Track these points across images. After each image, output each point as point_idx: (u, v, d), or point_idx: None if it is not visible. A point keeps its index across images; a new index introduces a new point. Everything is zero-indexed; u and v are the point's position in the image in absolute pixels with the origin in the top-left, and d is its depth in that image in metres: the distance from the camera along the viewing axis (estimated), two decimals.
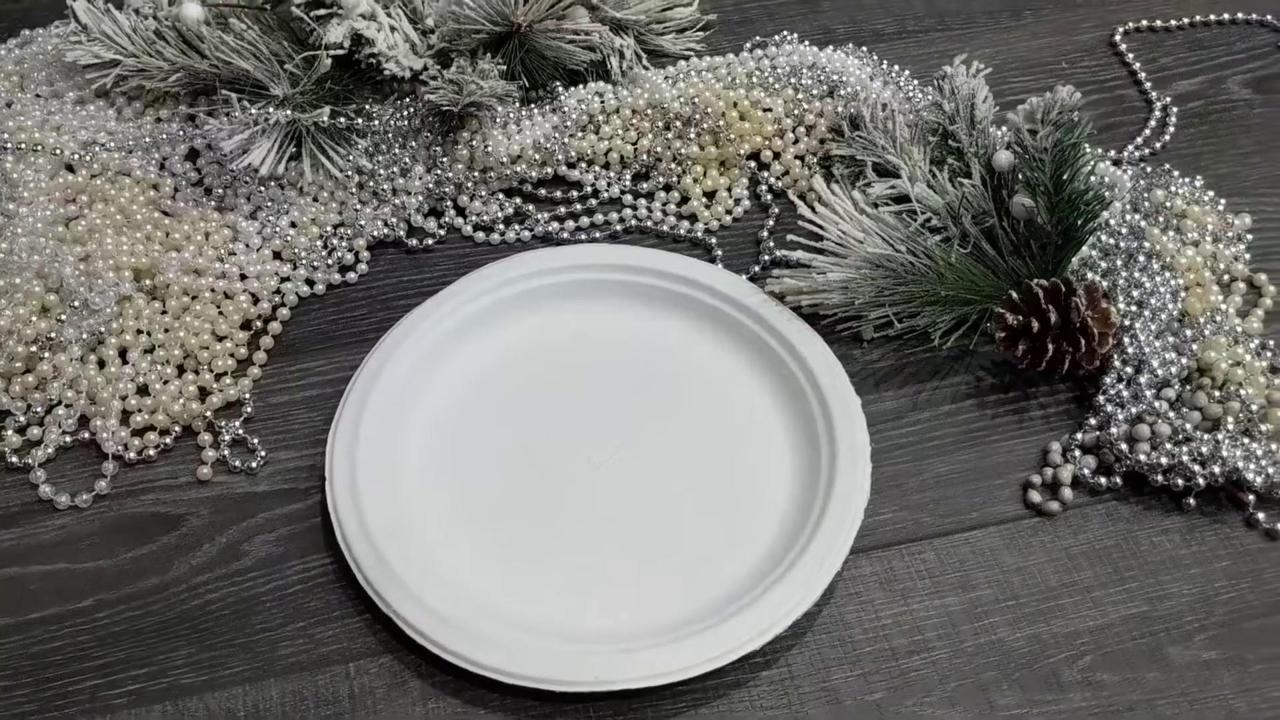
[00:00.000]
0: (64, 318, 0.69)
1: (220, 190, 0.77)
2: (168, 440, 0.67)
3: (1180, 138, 0.82)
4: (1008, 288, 0.68)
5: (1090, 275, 0.70)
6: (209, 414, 0.68)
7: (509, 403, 0.67)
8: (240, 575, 0.62)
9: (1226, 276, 0.72)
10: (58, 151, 0.76)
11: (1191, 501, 0.64)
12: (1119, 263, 0.70)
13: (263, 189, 0.76)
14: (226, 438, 0.67)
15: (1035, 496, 0.64)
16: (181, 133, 0.79)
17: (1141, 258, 0.70)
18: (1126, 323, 0.67)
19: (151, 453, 0.66)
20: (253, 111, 0.73)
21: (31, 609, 0.61)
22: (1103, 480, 0.65)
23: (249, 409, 0.68)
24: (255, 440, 0.67)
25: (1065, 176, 0.67)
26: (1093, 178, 0.69)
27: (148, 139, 0.79)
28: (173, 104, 0.81)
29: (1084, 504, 0.65)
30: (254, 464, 0.66)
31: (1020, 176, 0.70)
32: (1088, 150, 0.69)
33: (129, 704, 0.58)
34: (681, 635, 0.58)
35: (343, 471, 0.63)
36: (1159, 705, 0.58)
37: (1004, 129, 0.73)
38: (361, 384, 0.66)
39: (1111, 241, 0.71)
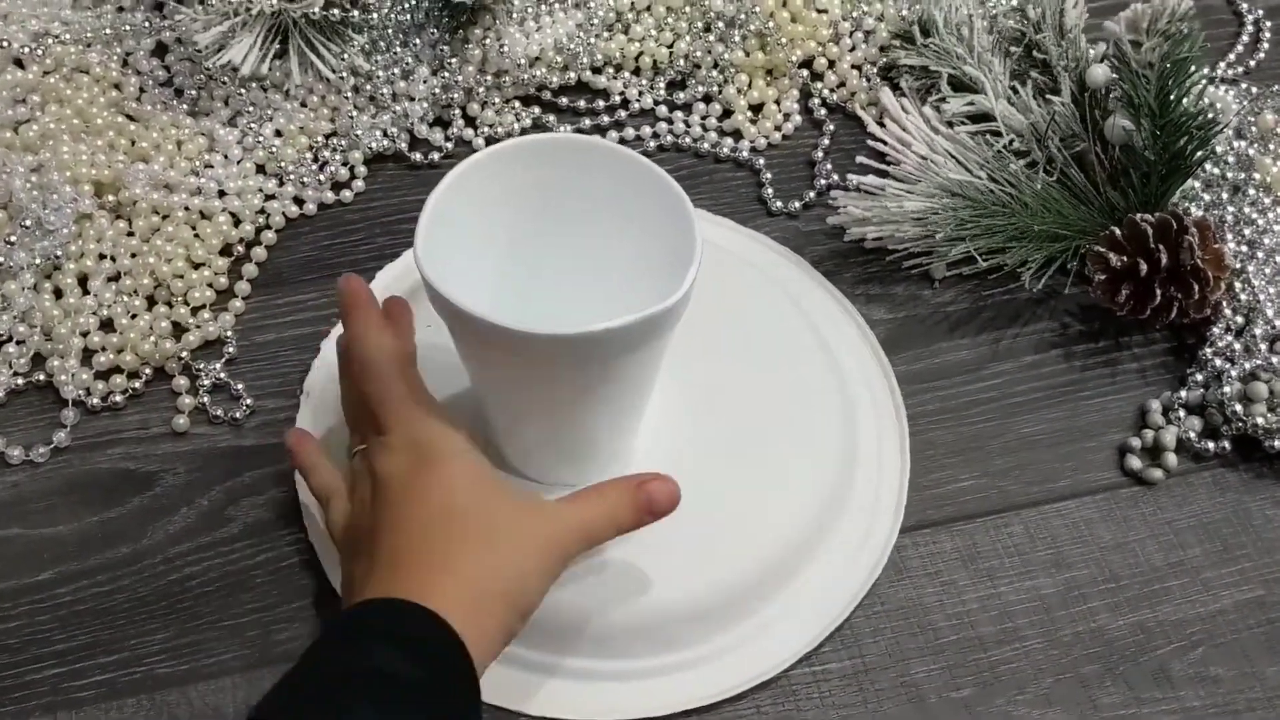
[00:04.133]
0: (14, 239, 0.59)
1: (193, 92, 0.67)
2: (137, 384, 0.58)
3: (1274, 55, 0.73)
4: (1105, 222, 0.60)
5: (1194, 210, 0.62)
6: (185, 354, 0.58)
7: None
8: (225, 545, 0.53)
9: None
10: (4, 44, 0.66)
11: None
12: (1224, 195, 0.62)
13: (243, 91, 0.66)
14: (206, 382, 0.58)
15: (1135, 463, 0.57)
16: (148, 24, 0.69)
17: (1251, 190, 0.62)
18: (1238, 265, 0.59)
19: (118, 399, 0.57)
20: (232, 0, 0.63)
21: None
22: (1210, 445, 0.57)
23: (231, 348, 0.59)
24: (240, 385, 0.58)
25: (1173, 96, 0.59)
26: (1203, 99, 0.60)
27: (108, 30, 0.68)
28: None
29: (1187, 471, 0.57)
30: (238, 413, 0.57)
31: (1117, 95, 0.61)
32: (1200, 70, 0.60)
33: (97, 697, 0.49)
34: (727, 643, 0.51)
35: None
36: None
37: (1098, 41, 0.64)
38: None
39: (1216, 171, 0.63)
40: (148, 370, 0.58)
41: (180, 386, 0.58)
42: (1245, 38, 0.74)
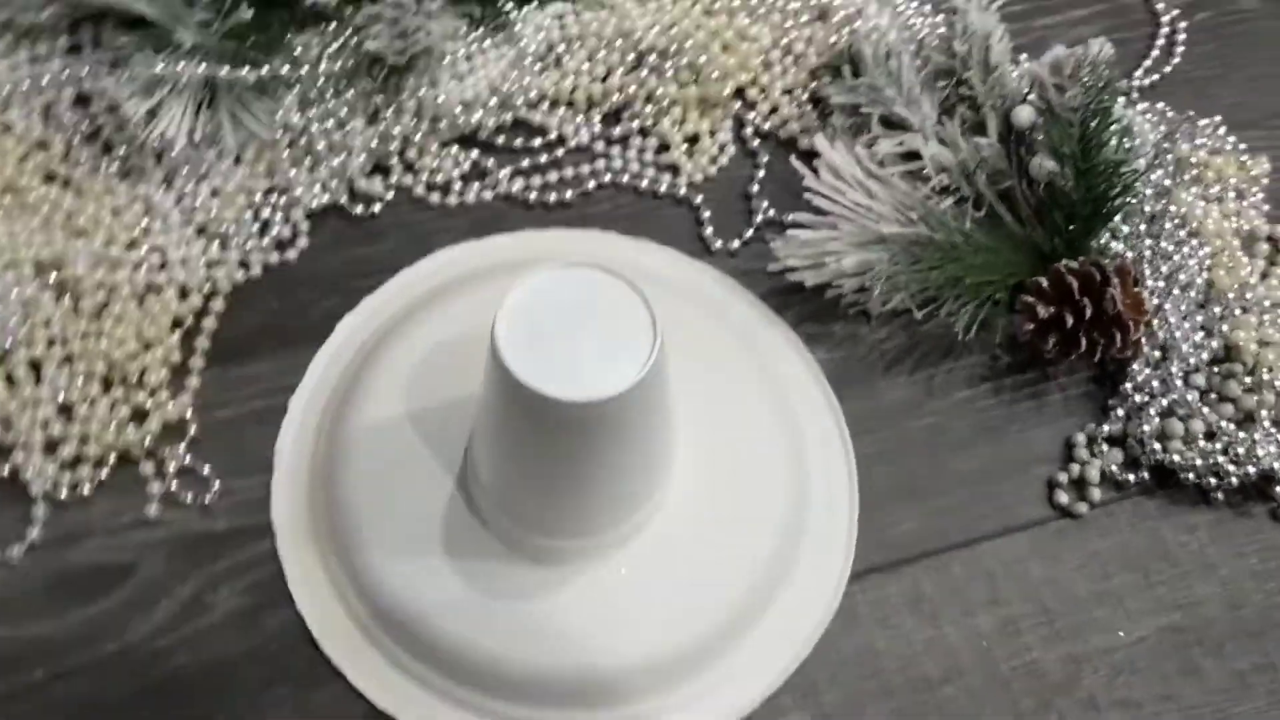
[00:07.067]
0: None
1: (122, 148, 0.65)
2: (103, 473, 0.59)
3: (1189, 58, 0.75)
4: (1032, 262, 0.63)
5: (1113, 243, 0.65)
6: (147, 439, 0.59)
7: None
8: (208, 633, 0.55)
9: (1248, 231, 0.67)
10: None
11: (1220, 495, 0.61)
12: (1141, 227, 0.65)
13: (174, 151, 0.65)
14: (171, 467, 0.59)
15: (1062, 497, 0.61)
16: (66, 73, 0.67)
17: (1168, 223, 0.65)
18: (1155, 302, 0.63)
19: (86, 489, 0.58)
20: (158, 70, 0.62)
21: None
22: (1130, 476, 0.61)
23: (193, 428, 0.60)
24: (206, 467, 0.59)
25: (1094, 143, 0.61)
26: (1126, 143, 0.63)
27: (26, 80, 0.66)
28: (50, 37, 0.68)
29: (1109, 500, 0.62)
30: (207, 497, 0.58)
31: (1042, 135, 0.63)
32: (1121, 112, 0.62)
33: None
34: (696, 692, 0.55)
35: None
36: None
37: (1023, 74, 0.66)
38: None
39: (1133, 202, 0.66)
40: (112, 457, 0.59)
41: (147, 473, 0.59)
42: (1161, 40, 0.76)
